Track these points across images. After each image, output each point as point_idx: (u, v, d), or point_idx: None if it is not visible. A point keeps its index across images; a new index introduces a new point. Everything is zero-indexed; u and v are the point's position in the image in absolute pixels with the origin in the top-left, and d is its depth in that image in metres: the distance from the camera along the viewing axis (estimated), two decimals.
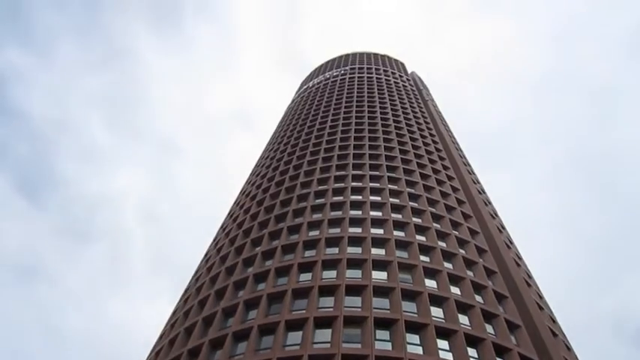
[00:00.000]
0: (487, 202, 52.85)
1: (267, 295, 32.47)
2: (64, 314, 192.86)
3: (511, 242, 46.63)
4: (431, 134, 64.30)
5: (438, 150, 59.14)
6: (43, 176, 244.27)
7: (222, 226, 53.31)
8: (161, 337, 37.91)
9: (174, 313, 40.38)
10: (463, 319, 30.23)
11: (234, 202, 59.79)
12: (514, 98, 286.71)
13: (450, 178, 51.79)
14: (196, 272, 45.78)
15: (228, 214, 56.32)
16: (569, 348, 33.93)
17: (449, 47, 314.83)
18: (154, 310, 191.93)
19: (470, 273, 35.29)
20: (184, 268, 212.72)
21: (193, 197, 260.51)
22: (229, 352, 29.15)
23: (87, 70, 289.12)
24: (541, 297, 39.23)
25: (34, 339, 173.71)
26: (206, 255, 48.43)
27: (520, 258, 44.44)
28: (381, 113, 66.43)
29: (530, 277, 41.69)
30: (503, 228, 49.13)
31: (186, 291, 43.33)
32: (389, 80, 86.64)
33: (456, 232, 40.31)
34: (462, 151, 69.48)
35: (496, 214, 51.83)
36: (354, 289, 31.50)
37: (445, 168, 54.06)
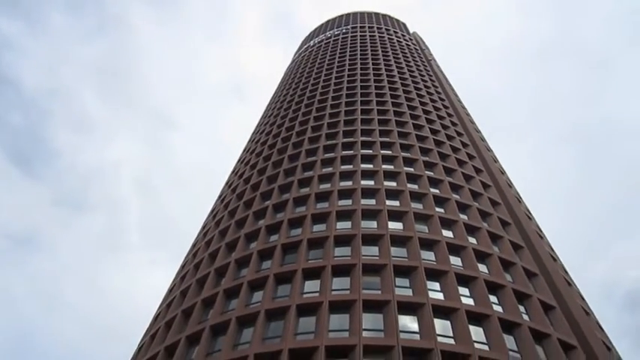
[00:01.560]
0: (495, 159, 52.17)
1: (282, 245, 31.89)
2: (59, 283, 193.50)
3: (520, 198, 46.12)
4: (437, 92, 62.94)
5: (445, 107, 57.96)
6: (37, 146, 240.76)
7: (220, 197, 51.24)
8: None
9: (170, 291, 38.45)
10: (482, 268, 29.89)
11: (234, 171, 58.65)
12: (511, 68, 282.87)
13: (458, 134, 50.85)
14: (194, 246, 44.11)
15: (228, 182, 55.13)
16: (582, 297, 33.83)
17: (445, 14, 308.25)
18: (150, 281, 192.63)
19: (485, 224, 34.78)
20: (180, 239, 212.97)
21: (189, 169, 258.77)
22: (245, 301, 28.72)
23: (79, 38, 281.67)
24: (552, 249, 38.93)
25: (29, 308, 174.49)
26: (203, 228, 46.46)
27: (530, 213, 43.98)
28: (386, 70, 64.80)
29: (541, 230, 41.27)
30: (512, 185, 48.55)
31: (183, 266, 41.57)
32: (392, 39, 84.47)
33: (470, 186, 39.58)
34: (466, 108, 68.37)
35: (504, 171, 51.19)
36: (370, 239, 30.96)
37: (453, 124, 53.05)
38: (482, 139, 55.80)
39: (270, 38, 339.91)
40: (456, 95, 71.39)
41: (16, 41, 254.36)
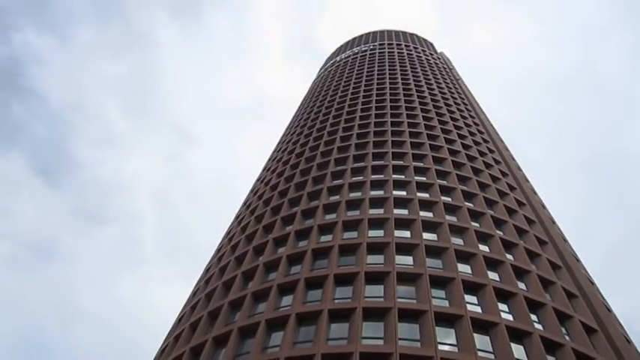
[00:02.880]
0: (526, 179, 51.03)
1: (312, 251, 31.20)
2: (75, 294, 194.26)
3: (554, 220, 44.84)
4: (467, 108, 62.26)
5: (475, 123, 57.23)
6: (59, 158, 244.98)
7: (245, 204, 51.46)
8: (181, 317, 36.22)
9: (194, 294, 37.85)
10: (521, 285, 28.75)
11: (259, 179, 58.35)
12: (532, 100, 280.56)
13: (490, 150, 49.92)
14: (218, 250, 43.81)
15: (253, 190, 54.95)
16: (621, 324, 32.32)
17: (465, 44, 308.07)
18: (164, 294, 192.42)
19: (522, 241, 33.66)
20: (194, 253, 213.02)
21: (205, 185, 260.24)
22: (274, 305, 27.91)
23: (105, 54, 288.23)
24: (588, 273, 37.53)
25: (44, 316, 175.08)
26: (228, 233, 46.47)
27: (564, 235, 42.66)
28: (415, 85, 64.41)
29: (575, 253, 39.94)
30: (545, 206, 47.31)
31: (207, 270, 41.14)
32: (420, 56, 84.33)
33: (504, 202, 38.56)
34: (494, 127, 67.45)
35: (536, 192, 50.01)
36: (404, 248, 30.11)
37: (485, 141, 52.19)
38: (513, 158, 54.76)
39: (290, 60, 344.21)
40: (484, 113, 70.62)
41: (44, 55, 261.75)
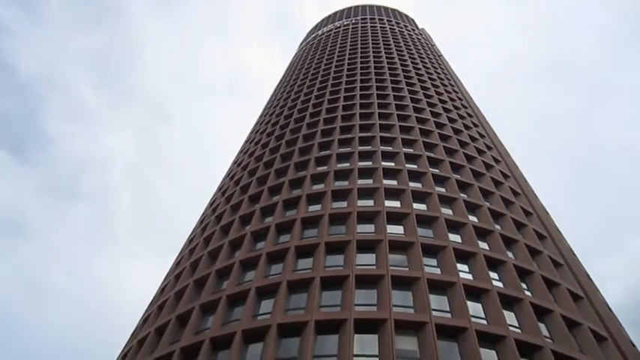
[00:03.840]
0: (508, 153, 51.39)
1: (302, 219, 30.72)
2: (47, 271, 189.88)
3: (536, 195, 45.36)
4: (450, 84, 62.11)
5: (459, 98, 57.18)
6: (29, 132, 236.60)
7: (219, 188, 49.76)
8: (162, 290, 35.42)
9: (177, 264, 37.14)
10: (510, 254, 28.99)
11: (242, 151, 57.26)
12: (504, 85, 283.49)
13: (474, 124, 49.99)
14: (201, 222, 43.12)
15: (228, 173, 53.51)
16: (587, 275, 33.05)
17: (440, 29, 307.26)
18: (138, 271, 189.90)
19: (509, 212, 33.90)
20: (170, 231, 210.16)
21: (181, 162, 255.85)
22: (264, 273, 27.40)
23: (78, 27, 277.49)
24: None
25: (16, 295, 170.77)
26: (212, 204, 45.35)
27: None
28: (399, 59, 63.73)
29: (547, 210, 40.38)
30: (527, 180, 47.78)
31: (190, 240, 40.11)
32: (402, 31, 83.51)
33: (491, 174, 38.71)
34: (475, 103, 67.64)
35: (517, 166, 50.45)
36: (395, 217, 29.93)
37: (469, 115, 52.22)
38: (495, 134, 55.02)
39: (269, 37, 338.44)
40: (465, 88, 70.66)
41: (14, 27, 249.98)
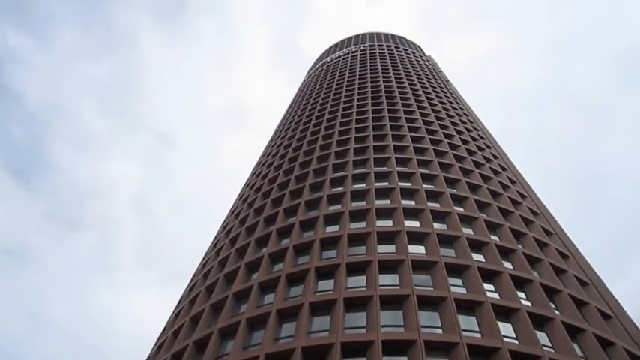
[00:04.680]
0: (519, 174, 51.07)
1: (320, 240, 30.26)
2: (49, 300, 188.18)
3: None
4: (460, 107, 62.31)
5: (470, 121, 57.21)
6: (35, 160, 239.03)
7: (232, 210, 49.76)
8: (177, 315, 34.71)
9: (191, 288, 36.52)
10: (535, 273, 28.32)
11: (246, 184, 57.12)
12: (504, 110, 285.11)
13: (487, 146, 49.84)
14: (214, 246, 42.55)
15: (239, 196, 53.36)
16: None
17: (442, 56, 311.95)
18: (141, 301, 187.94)
19: (530, 232, 33.35)
20: (173, 261, 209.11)
21: (186, 192, 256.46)
22: (284, 295, 26.79)
23: (85, 56, 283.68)
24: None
25: (16, 324, 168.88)
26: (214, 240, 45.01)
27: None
28: (409, 84, 64.18)
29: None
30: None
31: (204, 264, 39.58)
32: (410, 58, 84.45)
33: (508, 194, 38.32)
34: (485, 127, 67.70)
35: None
36: (415, 237, 29.44)
37: (481, 137, 52.15)
38: (505, 154, 54.86)
39: (273, 67, 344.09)
40: (474, 112, 70.88)
41: (22, 55, 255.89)
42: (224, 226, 44.44)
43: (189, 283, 39.33)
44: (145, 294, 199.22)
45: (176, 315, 33.72)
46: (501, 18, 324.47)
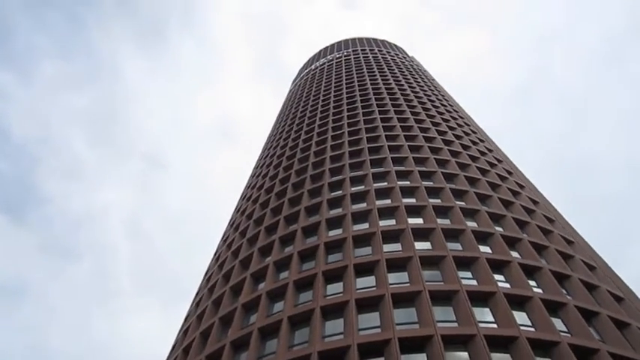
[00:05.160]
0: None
1: (325, 244, 29.96)
2: (48, 333, 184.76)
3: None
4: (450, 104, 62.61)
5: (461, 117, 57.47)
6: (26, 194, 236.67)
7: (230, 222, 49.57)
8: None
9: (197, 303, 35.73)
10: (543, 261, 28.27)
11: (242, 196, 56.74)
12: (487, 109, 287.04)
13: (480, 140, 50.04)
14: (216, 260, 41.96)
15: (236, 209, 52.95)
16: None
17: (423, 61, 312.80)
18: (143, 325, 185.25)
19: (533, 221, 33.37)
20: (171, 282, 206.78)
21: (179, 212, 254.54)
22: (293, 301, 26.41)
23: (69, 86, 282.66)
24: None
25: (17, 358, 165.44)
26: (216, 254, 44.58)
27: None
28: (396, 85, 64.38)
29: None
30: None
31: (208, 279, 38.98)
32: (395, 59, 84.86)
33: (507, 185, 38.38)
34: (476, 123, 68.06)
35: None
36: (421, 233, 29.25)
37: (473, 132, 52.33)
38: (499, 149, 55.12)
39: (258, 81, 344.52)
40: (464, 110, 71.28)
41: (5, 90, 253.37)
42: (224, 240, 43.94)
43: (194, 300, 38.73)
44: (146, 317, 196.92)
45: (185, 332, 33.10)
46: (478, 19, 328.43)
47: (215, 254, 43.93)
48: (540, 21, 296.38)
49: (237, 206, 51.88)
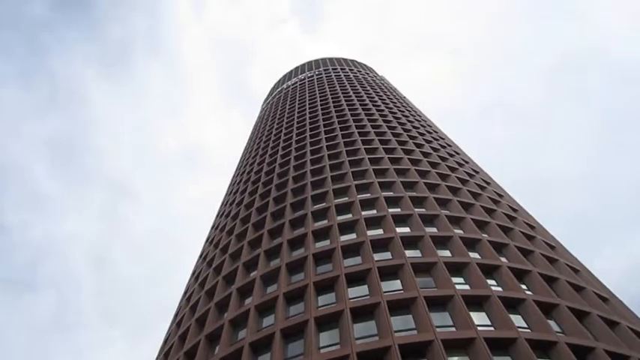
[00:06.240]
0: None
1: (313, 255, 29.42)
2: None
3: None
4: (423, 119, 63.69)
5: (435, 131, 58.49)
6: None
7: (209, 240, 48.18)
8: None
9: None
10: (530, 264, 28.57)
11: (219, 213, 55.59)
12: (451, 131, 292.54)
13: (456, 152, 50.92)
14: (196, 278, 40.81)
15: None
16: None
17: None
18: (107, 358, 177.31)
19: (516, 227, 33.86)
20: (138, 313, 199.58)
21: (146, 240, 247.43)
22: (285, 314, 25.62)
23: (30, 113, 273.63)
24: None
25: None
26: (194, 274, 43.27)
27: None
28: (371, 102, 65.05)
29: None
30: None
31: (189, 298, 37.61)
32: (366, 78, 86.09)
33: (487, 194, 38.98)
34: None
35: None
36: (410, 241, 29.16)
37: (449, 145, 53.25)
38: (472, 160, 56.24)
39: (224, 106, 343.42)
40: (436, 125, 72.66)
41: None
42: (204, 258, 42.63)
43: (173, 320, 37.22)
44: (110, 350, 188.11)
45: (166, 354, 31.58)
46: (436, 43, 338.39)
47: (193, 273, 42.53)
48: (497, 41, 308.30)
49: (214, 224, 50.68)
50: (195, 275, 40.29)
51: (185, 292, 40.30)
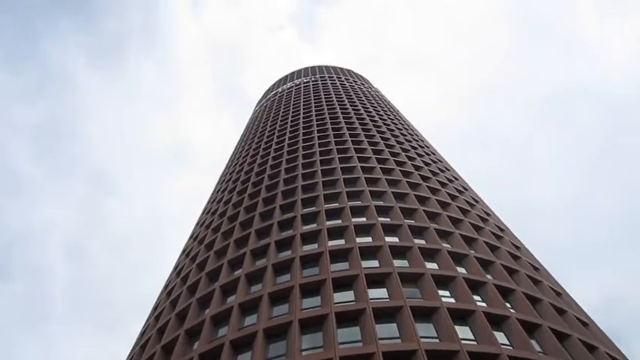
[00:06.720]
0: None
1: (300, 258, 29.25)
2: None
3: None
4: (416, 133, 64.18)
5: (426, 146, 58.97)
6: None
7: (193, 236, 47.81)
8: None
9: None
10: (516, 283, 28.78)
11: (205, 211, 55.15)
12: (440, 148, 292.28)
13: (447, 169, 51.34)
14: (178, 273, 40.20)
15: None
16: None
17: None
18: (74, 352, 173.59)
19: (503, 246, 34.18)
20: (111, 308, 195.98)
21: (126, 236, 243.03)
22: (268, 314, 25.40)
23: (18, 97, 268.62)
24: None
25: None
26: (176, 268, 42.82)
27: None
28: (365, 112, 65.44)
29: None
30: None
31: (169, 292, 37.04)
32: (362, 89, 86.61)
33: (476, 211, 39.32)
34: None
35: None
36: (398, 251, 29.22)
37: (439, 161, 53.70)
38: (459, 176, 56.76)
39: (217, 108, 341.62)
40: (427, 140, 73.28)
41: None
42: (187, 254, 42.12)
43: (151, 314, 36.62)
44: (80, 343, 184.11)
45: (142, 347, 31.01)
46: (430, 62, 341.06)
47: (175, 268, 42.00)
48: (489, 70, 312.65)
49: (199, 221, 50.21)
50: (177, 270, 39.77)
51: (166, 287, 39.74)
